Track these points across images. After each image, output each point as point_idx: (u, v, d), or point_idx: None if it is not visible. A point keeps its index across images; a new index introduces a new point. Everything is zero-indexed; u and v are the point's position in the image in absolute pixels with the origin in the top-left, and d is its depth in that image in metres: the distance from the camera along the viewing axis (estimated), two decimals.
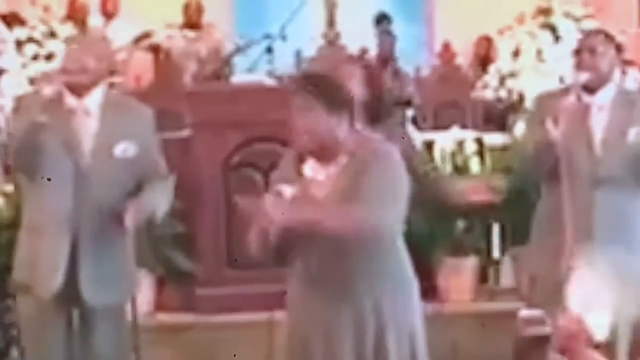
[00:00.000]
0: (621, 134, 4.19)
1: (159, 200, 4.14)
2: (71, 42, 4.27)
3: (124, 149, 4.04)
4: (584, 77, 4.20)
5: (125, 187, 4.07)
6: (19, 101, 4.22)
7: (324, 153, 3.29)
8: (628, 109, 4.24)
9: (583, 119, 4.20)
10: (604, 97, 4.25)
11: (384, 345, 3.28)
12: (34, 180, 4.04)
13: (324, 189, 3.27)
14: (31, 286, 4.04)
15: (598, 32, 4.74)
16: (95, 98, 4.05)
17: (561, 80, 7.31)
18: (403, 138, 6.67)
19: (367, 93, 3.74)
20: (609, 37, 4.38)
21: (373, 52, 9.65)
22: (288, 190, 3.18)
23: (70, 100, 4.01)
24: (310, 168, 3.33)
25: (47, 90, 3.90)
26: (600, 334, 2.41)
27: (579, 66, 4.27)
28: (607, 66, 4.26)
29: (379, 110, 3.49)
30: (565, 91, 4.25)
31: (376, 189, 3.19)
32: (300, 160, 3.34)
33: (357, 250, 3.25)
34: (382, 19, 10.09)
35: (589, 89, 4.22)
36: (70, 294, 4.01)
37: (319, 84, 3.31)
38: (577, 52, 4.34)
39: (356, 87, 3.63)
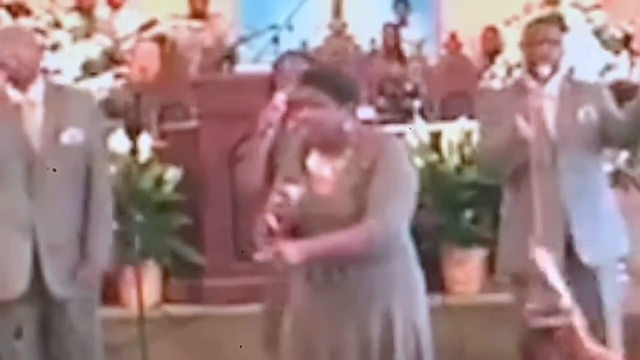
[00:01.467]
0: (572, 116, 4.10)
1: (106, 242, 4.14)
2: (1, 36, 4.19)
3: (71, 135, 4.02)
4: (547, 69, 4.10)
5: (76, 173, 4.05)
6: None
7: (330, 146, 3.25)
8: (575, 93, 4.15)
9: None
10: (553, 88, 4.15)
11: (390, 339, 3.25)
12: None
13: (330, 185, 3.23)
14: None
15: (553, 20, 4.66)
16: (37, 88, 4.04)
17: (571, 71, 7.25)
18: None
19: None
20: (560, 24, 4.29)
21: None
22: (294, 191, 3.11)
23: (14, 95, 4.00)
24: (314, 162, 3.28)
25: None
26: None
27: (544, 59, 4.12)
28: (559, 54, 4.19)
29: None
30: (516, 86, 4.17)
31: (387, 190, 3.13)
32: (305, 152, 3.31)
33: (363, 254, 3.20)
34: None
35: (542, 79, 4.12)
36: (37, 290, 3.97)
37: (328, 78, 3.26)
38: (537, 44, 4.17)
39: None
